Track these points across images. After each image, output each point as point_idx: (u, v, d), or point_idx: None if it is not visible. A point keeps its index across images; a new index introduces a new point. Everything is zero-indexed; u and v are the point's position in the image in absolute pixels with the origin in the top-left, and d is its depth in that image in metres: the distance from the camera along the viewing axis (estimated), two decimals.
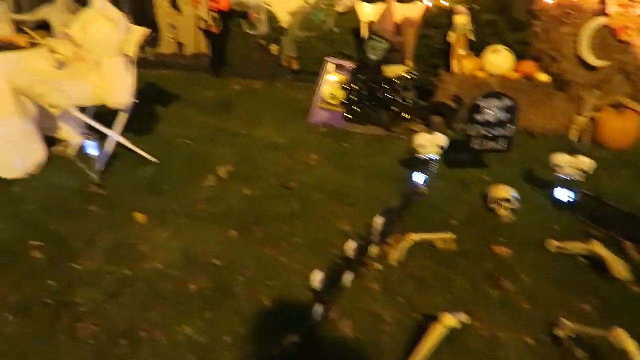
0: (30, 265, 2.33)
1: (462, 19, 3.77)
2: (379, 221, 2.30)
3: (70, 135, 3.55)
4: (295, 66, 5.32)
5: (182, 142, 3.70)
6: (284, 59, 5.58)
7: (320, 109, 4.13)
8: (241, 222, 2.67)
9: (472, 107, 2.97)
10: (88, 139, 2.85)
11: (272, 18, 5.67)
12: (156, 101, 4.41)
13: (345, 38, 4.89)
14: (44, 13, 7.00)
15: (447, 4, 4.04)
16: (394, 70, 3.90)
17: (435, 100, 3.98)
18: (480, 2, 3.87)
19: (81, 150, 3.39)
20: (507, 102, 2.95)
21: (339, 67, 4.12)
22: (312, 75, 5.35)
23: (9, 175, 3.07)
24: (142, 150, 3.32)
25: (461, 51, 3.87)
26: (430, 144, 2.77)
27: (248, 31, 5.53)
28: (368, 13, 4.20)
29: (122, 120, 3.20)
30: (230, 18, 5.50)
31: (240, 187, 3.04)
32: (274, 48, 5.51)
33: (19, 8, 7.44)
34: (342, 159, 3.45)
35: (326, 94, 4.12)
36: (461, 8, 3.77)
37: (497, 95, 2.94)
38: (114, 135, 3.16)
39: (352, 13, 4.94)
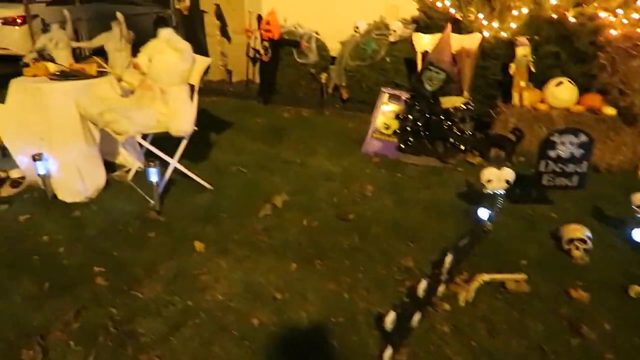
0: (93, 292, 2.33)
1: (523, 50, 3.69)
2: (448, 259, 2.21)
3: (128, 160, 3.62)
4: (345, 95, 5.31)
5: (236, 170, 3.70)
6: (332, 86, 5.61)
7: (374, 139, 4.08)
8: (301, 253, 2.62)
9: (545, 142, 2.86)
10: (150, 165, 2.87)
11: (320, 47, 5.72)
12: (208, 127, 4.46)
13: (397, 67, 4.87)
14: (100, 40, 7.29)
15: (505, 35, 3.96)
16: (451, 101, 3.83)
17: (493, 132, 3.88)
18: (541, 33, 3.77)
19: (138, 175, 3.45)
20: (583, 138, 2.83)
21: (394, 97, 4.08)
22: (360, 103, 5.36)
23: (71, 198, 3.13)
24: (198, 176, 3.34)
25: (522, 83, 3.77)
26: (497, 178, 2.67)
27: (298, 60, 5.58)
28: (424, 43, 4.16)
29: (182, 147, 3.22)
30: (280, 46, 5.57)
31: (297, 217, 3.00)
32: (324, 76, 5.53)
33: (77, 35, 7.79)
34: (399, 190, 3.38)
35: (380, 123, 4.07)
36: (522, 39, 3.69)
37: (574, 132, 2.83)
38: (173, 162, 3.18)
39: (403, 42, 4.94)
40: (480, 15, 3.98)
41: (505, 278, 2.30)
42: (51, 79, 3.17)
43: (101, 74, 3.27)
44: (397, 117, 4.02)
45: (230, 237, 2.78)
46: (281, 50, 5.62)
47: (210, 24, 6.91)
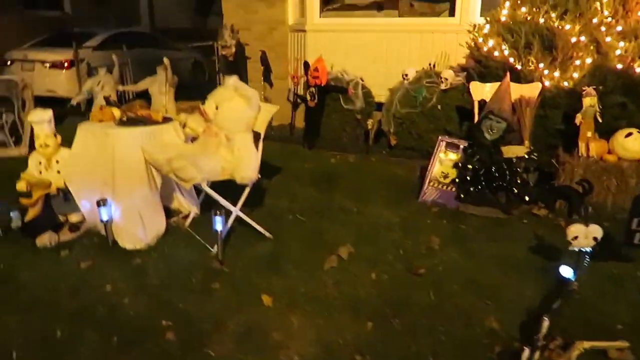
0: (163, 348, 2.24)
1: (590, 100, 3.59)
2: (545, 323, 2.05)
3: (184, 206, 3.57)
4: (393, 141, 5.26)
5: (293, 217, 3.63)
6: (374, 131, 5.58)
7: (431, 187, 3.98)
8: (375, 310, 2.49)
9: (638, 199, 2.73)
10: (217, 214, 2.81)
11: (366, 93, 5.73)
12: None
13: (448, 115, 4.81)
14: (145, 84, 7.47)
15: (566, 84, 3.88)
16: (513, 151, 3.73)
17: (559, 184, 3.74)
18: (606, 83, 3.69)
19: (195, 221, 3.39)
20: None
21: (452, 145, 4.00)
22: (408, 150, 5.30)
23: (131, 245, 3.08)
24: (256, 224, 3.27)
25: (589, 133, 3.66)
26: (585, 235, 2.51)
27: (345, 106, 5.58)
28: (481, 92, 4.11)
29: (244, 195, 3.17)
30: (327, 92, 5.59)
31: (365, 269, 2.88)
32: (370, 122, 5.52)
33: (121, 79, 8.01)
34: (465, 242, 3.24)
35: (438, 172, 3.98)
36: (589, 89, 3.60)
37: None
38: (236, 210, 3.12)
39: (454, 90, 4.91)
40: (541, 65, 3.91)
41: (607, 346, 2.13)
42: (118, 125, 3.18)
43: (166, 120, 3.27)
44: (456, 165, 3.92)
45: (297, 291, 2.67)
46: (327, 96, 5.63)
47: (253, 69, 7.05)
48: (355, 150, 5.54)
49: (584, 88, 3.65)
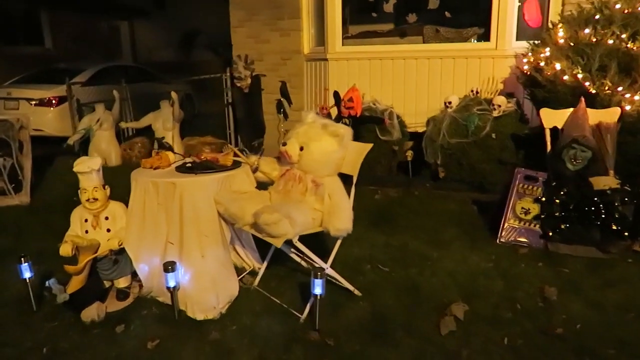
0: None
1: None
2: None
3: (246, 261, 3.09)
4: (442, 174, 4.90)
5: (373, 268, 3.17)
6: (410, 160, 5.23)
7: (511, 226, 3.60)
8: None
9: None
10: (319, 276, 2.34)
11: (401, 123, 5.40)
12: None
13: (503, 143, 4.50)
14: (148, 120, 6.97)
15: None
16: (603, 182, 3.41)
17: None
18: None
19: (263, 279, 2.91)
20: None
21: (530, 178, 3.65)
22: (456, 182, 4.94)
23: (202, 315, 2.58)
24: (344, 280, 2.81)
25: None
26: None
27: (381, 137, 5.21)
28: (554, 118, 3.80)
29: (336, 248, 2.72)
30: (362, 123, 5.22)
31: (491, 332, 2.45)
32: (409, 154, 5.16)
33: (121, 116, 7.47)
34: (581, 290, 2.85)
35: (517, 208, 3.61)
36: None
37: None
38: (327, 268, 2.65)
39: (507, 117, 4.62)
40: (619, 88, 3.65)
41: None
42: (181, 172, 2.70)
43: (236, 164, 2.80)
44: (538, 200, 3.57)
45: None
46: (362, 127, 5.25)
47: (267, 101, 6.65)
48: (394, 184, 5.14)
49: None
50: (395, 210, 4.31)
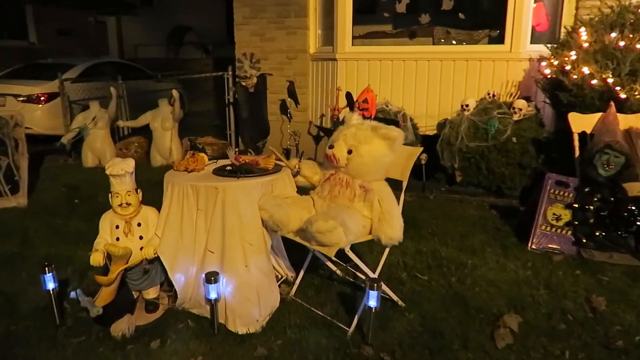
0: None
1: None
2: None
3: (280, 270, 2.94)
4: (459, 177, 4.82)
5: (411, 277, 3.06)
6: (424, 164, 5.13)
7: (542, 232, 3.53)
8: None
9: None
10: (375, 287, 2.21)
11: (413, 125, 5.31)
12: None
13: (524, 147, 4.44)
14: (146, 119, 6.76)
15: None
16: (638, 188, 3.37)
17: None
18: None
19: (300, 289, 2.76)
20: None
21: (561, 183, 3.59)
22: (471, 186, 4.88)
23: (244, 328, 2.43)
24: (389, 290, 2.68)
25: None
26: None
27: None
28: (583, 123, 3.75)
29: (384, 258, 2.59)
30: None
31: (549, 345, 2.35)
32: (424, 157, 5.06)
33: (117, 114, 7.21)
34: (627, 298, 2.79)
35: (549, 214, 3.55)
36: None
37: None
38: (374, 277, 2.52)
39: (527, 120, 4.56)
40: None
41: None
42: (221, 176, 2.53)
43: (277, 167, 2.65)
44: (570, 206, 3.51)
45: None
46: None
47: (270, 102, 6.49)
48: (408, 187, 4.99)
49: None
50: (416, 215, 4.20)
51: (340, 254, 2.36)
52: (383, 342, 2.36)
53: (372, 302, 2.25)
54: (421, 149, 2.65)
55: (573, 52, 4.06)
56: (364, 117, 4.98)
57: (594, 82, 3.82)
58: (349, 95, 5.24)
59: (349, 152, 2.48)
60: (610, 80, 3.72)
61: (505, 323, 2.48)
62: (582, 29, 4.24)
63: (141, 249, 2.51)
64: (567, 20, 5.16)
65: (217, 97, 8.66)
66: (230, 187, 2.37)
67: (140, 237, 2.51)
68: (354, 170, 2.48)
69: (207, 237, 2.42)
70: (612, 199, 3.40)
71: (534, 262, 3.29)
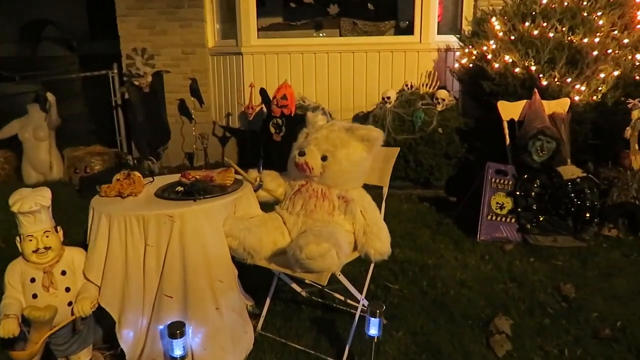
0: None
1: (638, 113, 3.55)
2: None
3: None
4: None
5: (381, 287, 2.81)
6: None
7: (489, 222, 3.52)
8: None
9: None
10: (377, 314, 1.91)
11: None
12: None
13: (450, 137, 4.44)
14: (13, 128, 5.72)
15: (595, 98, 3.81)
16: (570, 171, 3.49)
17: (622, 201, 3.60)
18: (632, 95, 3.69)
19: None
20: None
21: (499, 172, 3.60)
22: (397, 179, 4.79)
23: None
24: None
25: (636, 146, 3.61)
26: None
27: None
28: (510, 111, 3.81)
29: (369, 276, 2.30)
30: (297, 123, 4.78)
31: (546, 345, 2.26)
32: None
33: None
34: (590, 283, 2.83)
35: (492, 203, 3.54)
36: (636, 102, 3.55)
37: None
38: (362, 300, 2.23)
39: (449, 111, 4.57)
40: (569, 80, 3.77)
41: None
42: (168, 199, 2.03)
43: (236, 183, 2.21)
44: (511, 194, 3.53)
45: None
46: (296, 127, 4.80)
47: (168, 102, 5.82)
48: None
49: (629, 101, 3.59)
50: None
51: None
52: None
53: (373, 331, 1.95)
54: (398, 149, 2.37)
55: (492, 42, 4.11)
56: (283, 115, 4.67)
57: (517, 70, 3.89)
58: (263, 92, 4.85)
59: (323, 158, 2.13)
60: (533, 68, 3.81)
61: (497, 328, 2.35)
62: (494, 19, 4.32)
63: (69, 304, 1.92)
64: (468, 10, 5.29)
65: (90, 99, 7.64)
66: (188, 214, 1.89)
67: (67, 289, 1.92)
68: (330, 179, 2.15)
69: (161, 279, 1.91)
70: (551, 183, 3.47)
71: (489, 254, 3.25)
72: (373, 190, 2.30)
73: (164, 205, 1.96)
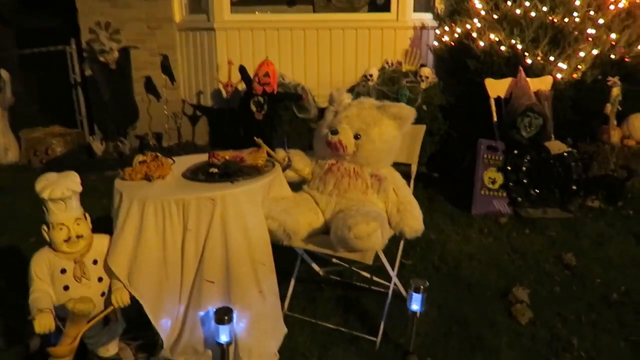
0: None
1: (617, 90, 3.73)
2: None
3: None
4: None
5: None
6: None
7: (483, 197, 3.62)
8: None
9: None
10: (420, 290, 1.93)
11: (314, 98, 5.04)
12: None
13: (433, 114, 4.50)
14: None
15: (575, 76, 3.97)
16: (557, 146, 3.65)
17: (602, 173, 3.79)
18: (607, 73, 3.88)
19: None
20: None
21: (491, 148, 3.70)
22: None
23: None
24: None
25: (614, 122, 3.81)
26: None
27: (299, 115, 4.77)
28: (497, 88, 3.91)
29: (400, 253, 2.31)
30: (280, 101, 4.69)
31: (564, 312, 2.37)
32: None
33: None
34: (586, 252, 2.99)
35: (485, 178, 3.64)
36: (615, 79, 3.73)
37: None
38: (395, 277, 2.24)
39: (432, 88, 4.63)
40: (551, 58, 3.90)
41: None
42: (203, 181, 1.93)
43: (269, 163, 2.13)
44: (502, 169, 3.65)
45: None
46: (278, 105, 4.71)
47: (134, 80, 5.52)
48: None
49: (609, 79, 3.76)
50: None
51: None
52: (418, 345, 2.11)
53: (415, 306, 1.97)
54: (424, 126, 2.38)
55: (476, 20, 4.17)
56: (265, 93, 4.55)
57: (503, 48, 3.98)
58: (243, 69, 4.70)
59: (356, 137, 2.10)
60: (519, 47, 3.90)
61: (517, 297, 2.43)
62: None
63: (102, 294, 1.80)
64: None
65: (29, 77, 7.08)
66: (229, 197, 1.81)
67: (100, 279, 1.79)
68: (363, 157, 2.12)
69: (200, 265, 1.83)
70: (540, 158, 3.61)
71: (487, 227, 3.36)
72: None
73: (199, 188, 1.86)
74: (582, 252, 2.98)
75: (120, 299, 1.73)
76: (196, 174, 1.98)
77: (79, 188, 1.70)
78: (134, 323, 2.03)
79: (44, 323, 1.60)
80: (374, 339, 2.13)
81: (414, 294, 1.95)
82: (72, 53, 5.60)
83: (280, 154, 2.20)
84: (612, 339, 2.15)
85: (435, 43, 4.79)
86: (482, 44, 4.10)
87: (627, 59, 3.96)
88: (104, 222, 1.86)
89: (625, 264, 2.84)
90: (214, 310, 1.78)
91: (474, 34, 4.15)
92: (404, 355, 2.03)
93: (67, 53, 5.59)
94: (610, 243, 3.10)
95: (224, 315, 1.76)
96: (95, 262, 1.78)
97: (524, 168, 3.60)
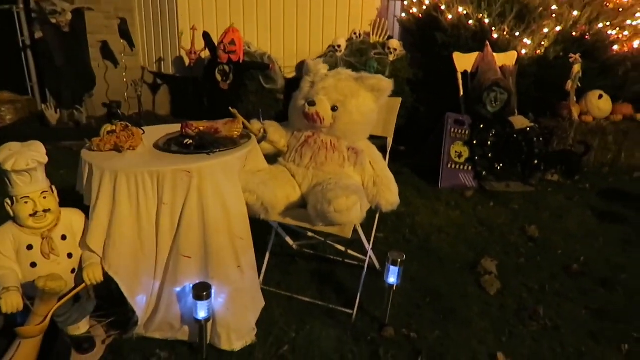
0: None
1: (578, 67, 3.83)
2: None
3: None
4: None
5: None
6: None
7: (449, 170, 3.69)
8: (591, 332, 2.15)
9: None
10: (396, 262, 1.95)
11: (280, 69, 4.94)
12: None
13: (401, 87, 4.51)
14: None
15: (539, 52, 4.05)
16: (521, 121, 3.74)
17: (561, 148, 3.92)
18: (568, 50, 3.98)
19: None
20: None
21: (457, 122, 3.76)
22: None
23: (240, 342, 1.95)
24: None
25: (574, 98, 3.93)
26: None
27: (266, 85, 4.66)
28: (465, 62, 3.94)
29: (375, 226, 2.31)
30: (246, 70, 4.56)
31: (529, 282, 2.47)
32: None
33: None
34: (548, 224, 3.11)
35: (452, 152, 3.70)
36: (577, 56, 3.82)
37: None
38: (370, 251, 2.25)
39: (400, 60, 4.62)
40: (517, 34, 3.96)
41: None
42: (175, 152, 1.85)
43: (244, 134, 2.07)
44: (468, 143, 3.72)
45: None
46: (244, 75, 4.59)
47: (89, 44, 5.23)
48: None
49: (570, 55, 3.85)
50: None
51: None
52: (393, 317, 2.15)
53: (392, 279, 2.00)
54: (400, 99, 2.36)
55: None
56: (231, 62, 4.42)
57: (470, 22, 4.00)
58: (207, 36, 4.53)
59: (333, 108, 2.07)
60: (487, 21, 3.93)
61: (485, 269, 2.51)
62: None
63: (72, 271, 1.72)
64: None
65: None
66: (206, 169, 1.74)
67: (69, 255, 1.71)
68: (340, 130, 2.09)
69: (176, 239, 1.77)
70: (504, 133, 3.69)
71: (454, 200, 3.43)
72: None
73: (174, 160, 1.79)
74: (544, 224, 3.10)
75: (93, 275, 1.66)
76: (169, 145, 1.90)
77: (45, 159, 1.59)
78: (106, 299, 1.97)
79: (10, 302, 1.52)
80: (350, 311, 2.14)
81: (391, 267, 1.97)
82: (19, 13, 5.22)
83: (256, 125, 2.14)
84: (574, 307, 2.26)
85: (403, 14, 4.76)
86: (450, 17, 4.10)
87: (587, 37, 4.06)
88: (64, 194, 1.75)
89: (583, 235, 2.97)
90: (192, 286, 1.74)
91: (443, 7, 4.14)
92: (380, 327, 2.06)
93: (14, 13, 5.20)
94: (569, 215, 3.24)
95: (202, 291, 1.72)
96: (64, 237, 1.69)
97: (489, 142, 3.68)
